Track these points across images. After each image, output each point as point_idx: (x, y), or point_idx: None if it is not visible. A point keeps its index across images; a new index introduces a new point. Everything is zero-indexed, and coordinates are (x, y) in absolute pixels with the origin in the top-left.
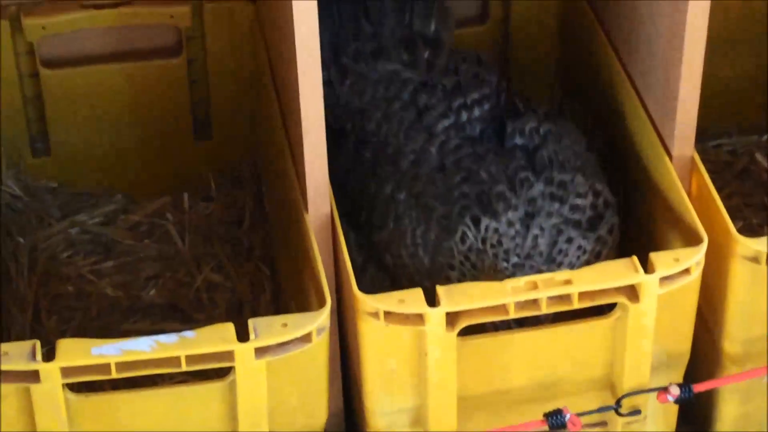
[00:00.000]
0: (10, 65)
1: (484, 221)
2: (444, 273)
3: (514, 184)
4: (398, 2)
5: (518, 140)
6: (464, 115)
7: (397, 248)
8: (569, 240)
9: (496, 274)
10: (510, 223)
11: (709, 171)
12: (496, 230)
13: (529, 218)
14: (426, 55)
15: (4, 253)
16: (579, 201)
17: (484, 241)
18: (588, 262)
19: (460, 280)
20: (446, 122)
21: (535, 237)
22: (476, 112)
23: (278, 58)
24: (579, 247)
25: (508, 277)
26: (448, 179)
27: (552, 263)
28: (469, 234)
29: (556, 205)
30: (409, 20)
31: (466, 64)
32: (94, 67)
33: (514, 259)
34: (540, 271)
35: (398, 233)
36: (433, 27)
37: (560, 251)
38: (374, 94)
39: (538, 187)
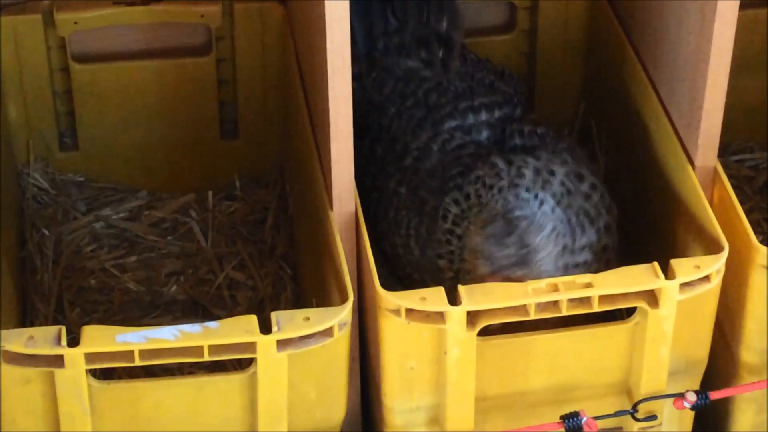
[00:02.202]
0: (42, 59)
1: (470, 175)
2: (434, 264)
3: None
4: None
5: (518, 140)
6: (471, 117)
7: (393, 238)
8: (552, 173)
9: (480, 212)
10: (494, 165)
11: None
12: (479, 177)
13: (510, 161)
14: (440, 54)
15: (29, 245)
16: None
17: (468, 196)
18: (569, 221)
19: (449, 266)
20: (453, 123)
21: (519, 167)
22: (483, 115)
23: (307, 60)
24: (563, 183)
25: (492, 206)
26: (444, 173)
27: (533, 188)
28: (452, 209)
29: (544, 155)
30: (427, 18)
31: (485, 72)
32: (123, 64)
33: (500, 183)
34: (525, 200)
35: (395, 223)
36: (444, 25)
37: (545, 181)
38: (394, 89)
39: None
